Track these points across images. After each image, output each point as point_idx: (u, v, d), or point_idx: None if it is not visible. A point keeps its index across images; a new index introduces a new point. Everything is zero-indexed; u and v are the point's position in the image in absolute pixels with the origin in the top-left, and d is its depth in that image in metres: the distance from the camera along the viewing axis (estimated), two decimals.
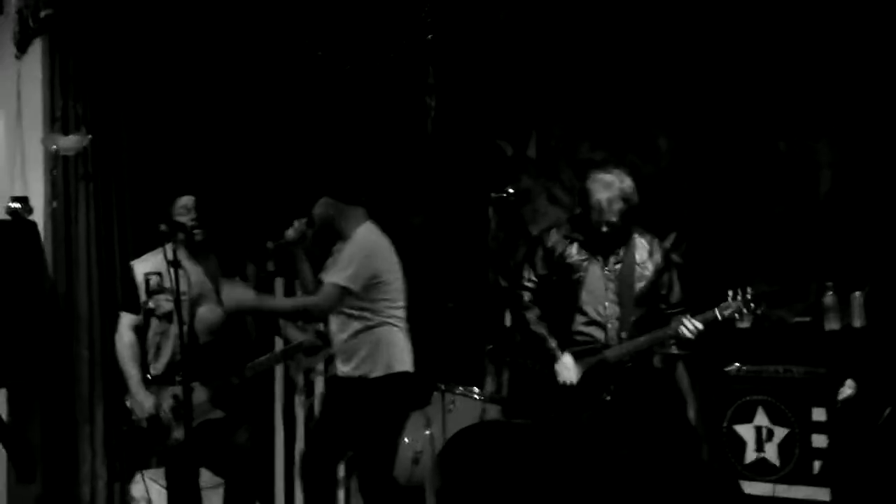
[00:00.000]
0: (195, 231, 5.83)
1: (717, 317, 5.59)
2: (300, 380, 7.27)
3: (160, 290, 5.89)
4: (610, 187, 5.63)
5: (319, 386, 7.13)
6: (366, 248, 5.69)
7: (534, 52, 7.34)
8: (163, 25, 7.18)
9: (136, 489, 6.82)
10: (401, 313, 5.83)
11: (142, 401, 5.85)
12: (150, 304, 5.95)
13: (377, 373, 5.72)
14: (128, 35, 7.16)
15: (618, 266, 5.75)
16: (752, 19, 6.77)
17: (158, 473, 6.50)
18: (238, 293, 5.67)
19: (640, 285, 5.72)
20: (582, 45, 7.22)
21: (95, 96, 7.07)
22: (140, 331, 5.99)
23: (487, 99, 7.53)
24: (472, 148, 7.58)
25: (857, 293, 6.48)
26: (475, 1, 7.32)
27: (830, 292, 6.51)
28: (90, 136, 6.80)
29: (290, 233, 5.83)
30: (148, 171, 7.22)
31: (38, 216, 6.86)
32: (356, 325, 5.75)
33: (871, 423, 5.84)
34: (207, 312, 5.94)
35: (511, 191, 6.94)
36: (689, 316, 5.61)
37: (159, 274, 5.88)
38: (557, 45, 7.27)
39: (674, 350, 6.11)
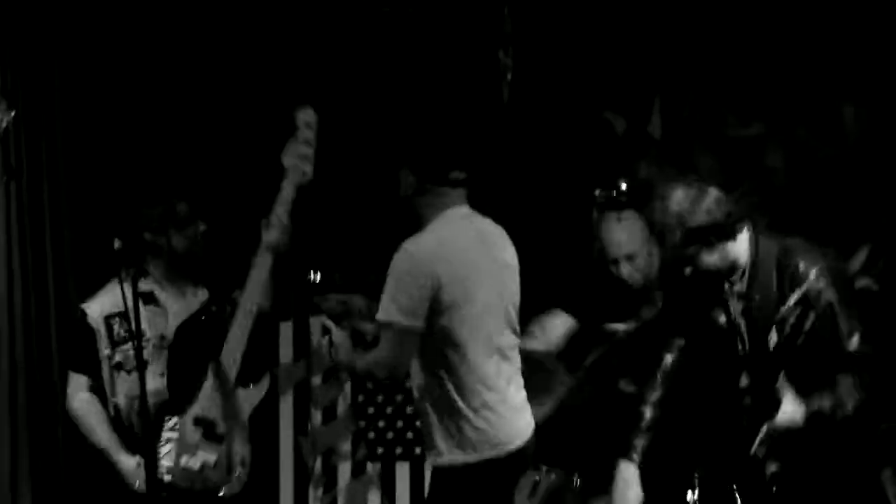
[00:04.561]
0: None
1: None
2: (317, 465, 6.41)
3: (128, 336, 5.18)
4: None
5: (345, 474, 6.34)
6: (407, 260, 4.43)
7: None
8: None
9: None
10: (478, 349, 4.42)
11: (129, 466, 5.19)
12: (117, 358, 5.24)
13: (439, 458, 4.54)
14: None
15: None
16: None
17: None
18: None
19: None
20: None
21: (27, 67, 6.16)
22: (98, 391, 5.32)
23: (588, 55, 6.56)
24: (566, 123, 6.58)
25: None
26: None
27: None
28: (13, 112, 5.60)
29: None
30: (92, 169, 6.39)
31: None
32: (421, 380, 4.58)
33: None
34: None
35: (623, 187, 5.93)
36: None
37: (124, 315, 5.11)
38: None
39: None
